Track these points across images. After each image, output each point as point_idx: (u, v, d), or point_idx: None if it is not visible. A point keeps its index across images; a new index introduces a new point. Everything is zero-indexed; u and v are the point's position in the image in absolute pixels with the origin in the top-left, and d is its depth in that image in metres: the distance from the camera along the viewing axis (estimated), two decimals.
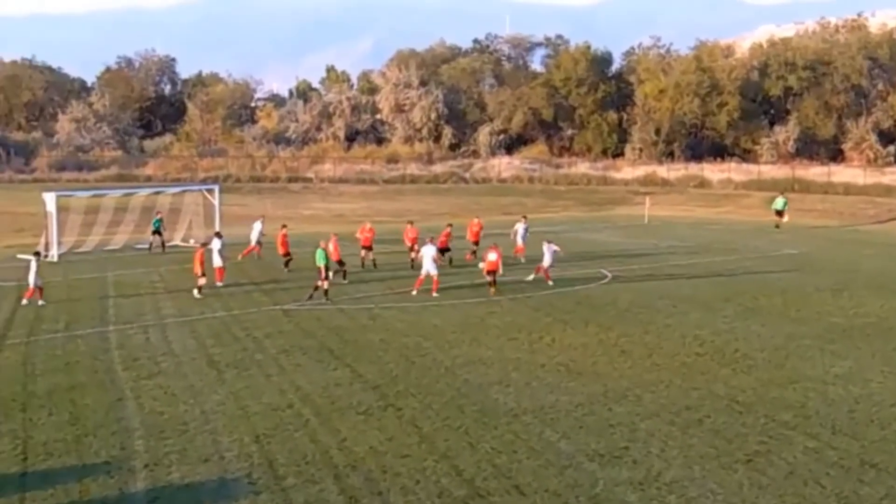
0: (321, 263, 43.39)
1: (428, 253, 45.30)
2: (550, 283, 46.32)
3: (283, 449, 23.63)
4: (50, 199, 57.16)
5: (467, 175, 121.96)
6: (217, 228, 60.30)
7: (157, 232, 60.33)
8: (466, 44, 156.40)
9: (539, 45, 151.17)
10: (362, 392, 28.66)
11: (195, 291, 44.24)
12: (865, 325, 38.77)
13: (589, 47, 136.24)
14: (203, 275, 44.44)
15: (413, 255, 51.45)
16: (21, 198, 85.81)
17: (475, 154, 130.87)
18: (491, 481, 21.70)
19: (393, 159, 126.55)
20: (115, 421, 25.81)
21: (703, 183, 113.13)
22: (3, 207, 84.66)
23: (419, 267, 46.04)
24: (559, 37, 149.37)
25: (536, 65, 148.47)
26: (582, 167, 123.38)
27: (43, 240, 57.16)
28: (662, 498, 20.91)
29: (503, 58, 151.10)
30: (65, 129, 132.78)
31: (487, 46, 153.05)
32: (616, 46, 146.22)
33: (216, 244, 48.30)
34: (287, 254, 51.74)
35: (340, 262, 47.94)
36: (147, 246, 60.15)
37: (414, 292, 44.58)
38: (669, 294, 45.34)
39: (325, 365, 31.95)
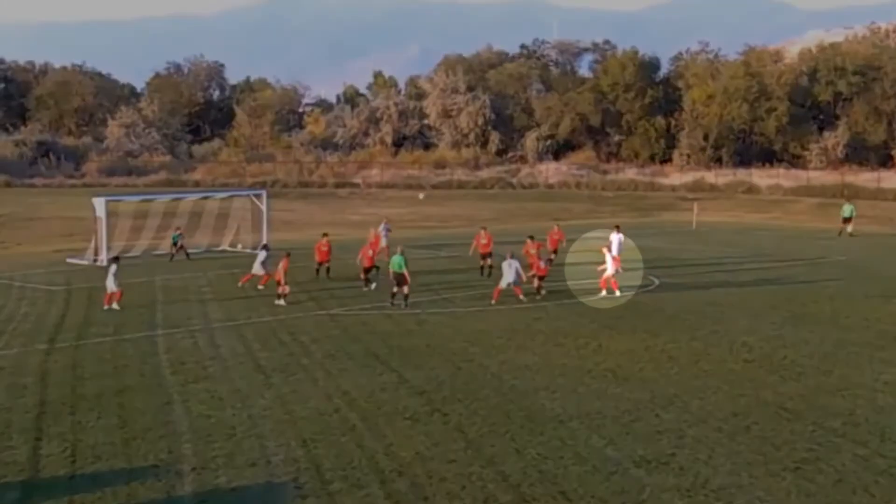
0: (401, 270, 42.91)
1: (512, 265, 44.84)
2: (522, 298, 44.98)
3: (330, 453, 23.67)
4: (99, 203, 57.53)
5: (514, 181, 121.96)
6: (264, 235, 60.63)
7: (175, 245, 59.87)
8: (514, 49, 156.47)
9: (586, 50, 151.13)
10: (408, 397, 28.67)
11: (280, 300, 43.55)
12: None
13: (636, 52, 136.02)
14: (285, 283, 43.80)
15: (483, 261, 51.51)
16: (71, 202, 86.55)
17: (522, 160, 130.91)
18: (537, 487, 21.66)
19: (440, 165, 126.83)
20: (163, 425, 25.93)
21: (751, 189, 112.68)
22: (54, 212, 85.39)
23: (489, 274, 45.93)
24: (607, 42, 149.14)
25: (584, 70, 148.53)
26: (629, 173, 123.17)
27: (92, 244, 57.54)
28: None
29: (550, 63, 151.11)
30: (114, 135, 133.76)
31: (535, 52, 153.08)
32: (664, 52, 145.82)
33: (262, 255, 48.36)
34: (323, 262, 51.27)
35: (369, 269, 47.75)
36: (185, 255, 59.78)
37: (522, 297, 44.49)
38: (717, 300, 45.12)
39: (372, 370, 31.98)
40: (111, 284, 42.48)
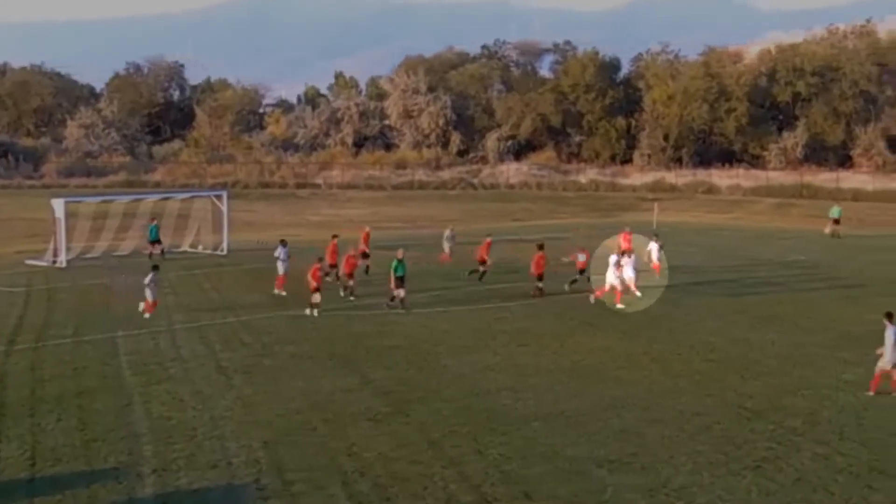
0: (398, 273, 42.52)
1: (610, 262, 44.78)
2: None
3: (292, 455, 23.62)
4: (58, 205, 57.12)
5: (475, 181, 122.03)
6: (225, 236, 60.50)
7: (155, 241, 59.74)
8: (475, 50, 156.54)
9: (547, 51, 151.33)
10: (371, 398, 28.64)
11: (309, 310, 41.43)
12: (876, 332, 38.35)
13: (597, 53, 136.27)
14: (318, 290, 41.59)
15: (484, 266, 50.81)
16: (30, 203, 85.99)
17: (483, 160, 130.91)
18: (499, 487, 21.67)
19: (401, 165, 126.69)
20: (124, 426, 25.81)
21: (711, 189, 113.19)
22: (13, 213, 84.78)
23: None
24: (567, 43, 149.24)
25: (545, 71, 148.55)
26: (590, 173, 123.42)
27: (51, 245, 57.15)
28: None
29: (511, 64, 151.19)
30: (73, 136, 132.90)
31: (495, 52, 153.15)
32: (624, 53, 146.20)
33: (280, 252, 47.58)
34: (334, 265, 50.71)
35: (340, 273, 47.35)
36: (148, 254, 59.48)
37: (592, 299, 44.36)
38: (680, 301, 45.24)
39: (335, 370, 31.94)
40: (150, 294, 40.59)
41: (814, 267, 56.62)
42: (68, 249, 57.09)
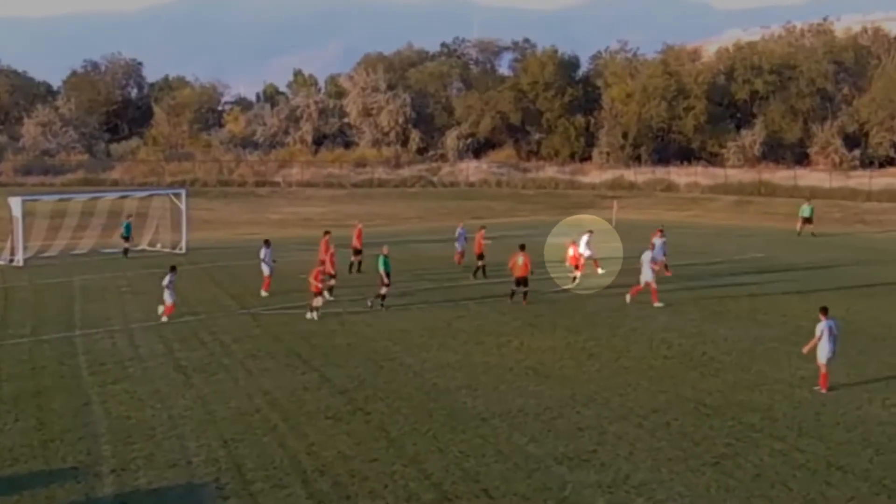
0: (383, 270, 42.53)
1: (645, 260, 44.67)
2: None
3: (251, 454, 23.58)
4: (15, 203, 56.77)
5: (435, 179, 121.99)
6: (184, 235, 60.29)
7: (127, 238, 59.90)
8: (434, 48, 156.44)
9: (507, 49, 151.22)
10: (330, 396, 28.63)
11: (310, 313, 40.60)
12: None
13: (556, 51, 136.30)
14: (320, 293, 41.08)
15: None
16: None
17: (443, 158, 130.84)
18: (459, 485, 21.70)
19: (361, 163, 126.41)
20: (82, 426, 25.69)
21: (669, 187, 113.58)
22: None
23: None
24: (526, 41, 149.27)
25: (504, 69, 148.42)
26: (550, 171, 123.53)
27: (8, 244, 56.85)
28: (630, 501, 20.96)
29: (471, 62, 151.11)
30: (30, 134, 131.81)
31: (455, 50, 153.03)
32: (583, 51, 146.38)
33: (264, 253, 46.81)
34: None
35: (332, 276, 47.01)
36: (122, 252, 59.52)
37: (627, 298, 44.23)
38: (637, 298, 45.42)
39: (293, 369, 31.90)
40: (168, 297, 39.70)
41: (770, 263, 56.95)
42: (25, 248, 56.78)
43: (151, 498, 21.13)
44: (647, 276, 44.19)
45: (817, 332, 29.42)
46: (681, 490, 21.49)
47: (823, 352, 29.39)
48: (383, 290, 42.64)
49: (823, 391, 29.26)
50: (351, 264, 52.34)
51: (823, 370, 29.49)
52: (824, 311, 29.84)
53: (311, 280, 40.79)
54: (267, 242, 47.63)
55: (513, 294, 44.20)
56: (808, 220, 74.37)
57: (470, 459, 23.27)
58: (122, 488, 21.54)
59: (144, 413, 26.84)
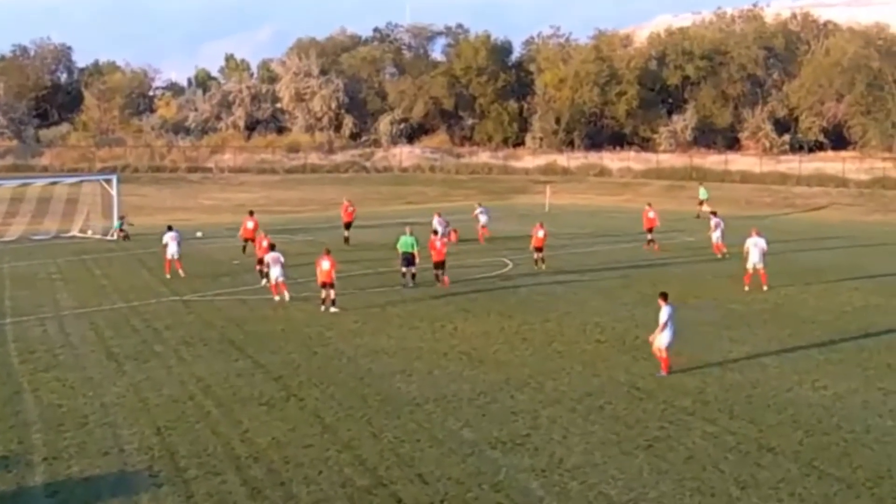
0: (413, 250, 43.99)
1: (755, 245, 44.45)
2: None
3: (185, 441, 23.46)
4: None
5: (368, 164, 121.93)
6: (115, 221, 59.86)
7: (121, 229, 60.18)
8: (367, 33, 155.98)
9: (440, 34, 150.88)
10: (264, 383, 28.54)
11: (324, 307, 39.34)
12: (762, 311, 39.39)
13: (489, 37, 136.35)
14: (325, 284, 39.35)
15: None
16: None
17: (376, 143, 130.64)
18: (394, 470, 21.72)
19: (293, 148, 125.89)
20: (13, 415, 25.44)
21: (602, 171, 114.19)
22: None
23: None
24: (459, 26, 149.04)
25: (437, 54, 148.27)
26: (483, 156, 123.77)
27: None
28: (564, 484, 21.05)
29: (404, 47, 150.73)
30: None
31: (388, 35, 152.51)
32: (516, 36, 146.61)
33: (170, 236, 46.93)
34: (249, 239, 50.89)
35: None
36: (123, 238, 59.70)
37: (746, 288, 44.03)
38: (569, 282, 45.69)
39: (227, 356, 31.77)
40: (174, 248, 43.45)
41: (702, 248, 57.33)
42: None
43: (83, 487, 20.95)
44: (755, 261, 44.29)
45: (663, 318, 29.42)
46: (614, 473, 21.62)
47: (665, 338, 29.46)
48: (406, 270, 44.53)
49: (664, 374, 29.39)
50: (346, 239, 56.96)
51: (664, 355, 29.52)
52: (664, 296, 29.98)
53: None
54: (170, 227, 48.21)
55: (437, 278, 45.07)
56: (701, 203, 76.77)
57: (404, 444, 23.29)
58: (53, 477, 21.36)
59: (76, 401, 26.62)
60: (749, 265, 44.28)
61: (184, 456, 22.49)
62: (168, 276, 46.26)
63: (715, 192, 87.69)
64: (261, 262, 43.99)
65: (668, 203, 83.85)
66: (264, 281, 43.11)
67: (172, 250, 46.47)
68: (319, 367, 30.38)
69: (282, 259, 41.11)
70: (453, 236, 57.78)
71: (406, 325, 36.41)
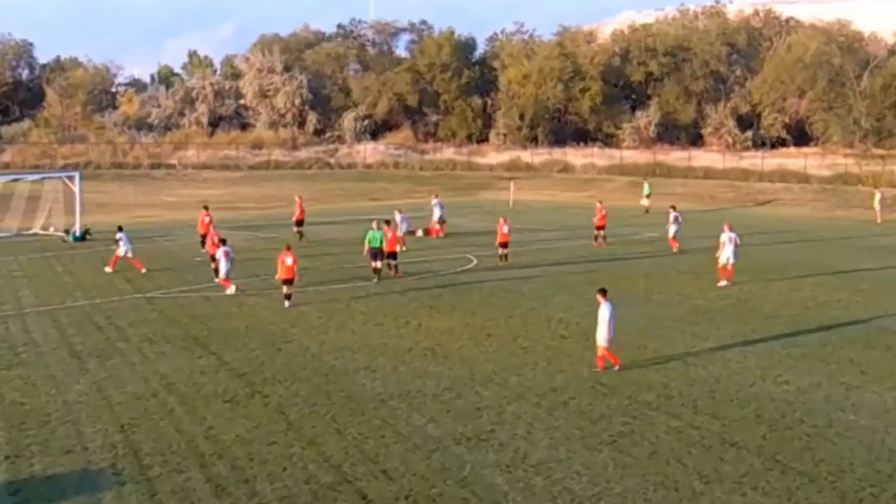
0: (381, 245, 44.87)
1: (730, 240, 44.57)
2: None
3: (148, 438, 23.36)
4: None
5: (332, 161, 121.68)
6: (78, 218, 59.56)
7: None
8: (330, 29, 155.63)
9: (403, 30, 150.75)
10: (228, 380, 28.46)
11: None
12: (726, 307, 39.57)
13: (453, 33, 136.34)
14: (287, 281, 39.40)
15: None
16: None
17: (340, 140, 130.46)
18: (359, 466, 21.70)
19: (257, 145, 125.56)
20: None
21: (566, 168, 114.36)
22: None
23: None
24: (423, 22, 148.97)
25: (401, 50, 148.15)
26: (447, 152, 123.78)
27: None
28: (529, 479, 21.08)
29: (367, 43, 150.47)
30: None
31: (352, 31, 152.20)
32: (480, 33, 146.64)
33: (119, 235, 47.49)
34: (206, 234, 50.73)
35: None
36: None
37: (722, 283, 44.18)
38: (534, 278, 45.76)
39: (190, 353, 31.66)
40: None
41: (664, 243, 57.49)
42: None
43: (46, 485, 20.84)
44: (729, 255, 44.52)
45: (607, 315, 29.40)
46: (578, 469, 21.67)
47: (603, 333, 29.48)
48: (374, 265, 44.93)
49: (599, 369, 29.39)
50: (300, 235, 56.79)
51: (602, 352, 29.54)
52: (603, 292, 30.05)
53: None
54: (120, 228, 48.74)
55: (389, 267, 45.92)
56: (647, 197, 79.33)
57: (369, 441, 23.27)
58: (16, 475, 21.22)
59: (39, 399, 26.47)
60: (723, 260, 44.44)
61: (147, 453, 22.40)
62: (110, 270, 46.76)
63: (678, 188, 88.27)
64: (213, 258, 43.91)
65: (633, 199, 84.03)
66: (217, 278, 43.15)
67: (125, 248, 47.07)
68: (283, 363, 30.33)
69: (232, 254, 41.43)
70: (434, 231, 60.82)
71: (370, 321, 36.38)
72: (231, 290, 41.11)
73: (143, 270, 46.40)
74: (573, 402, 26.32)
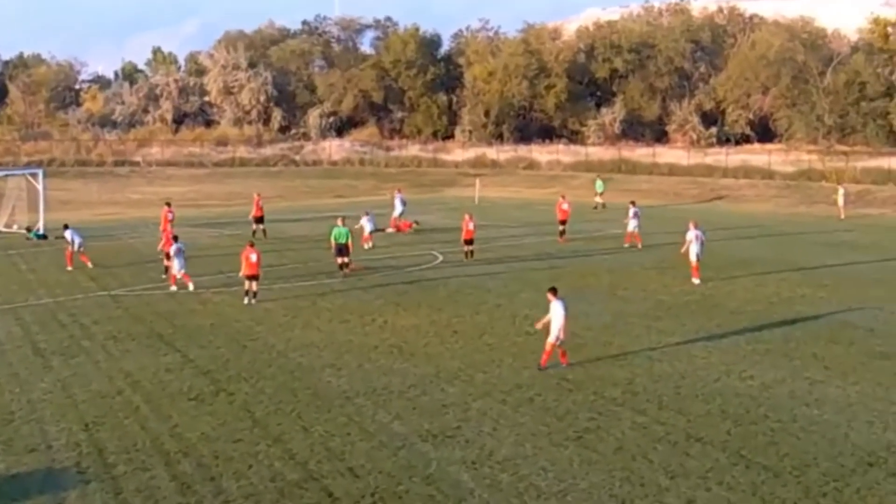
0: (346, 241, 45.04)
1: (697, 238, 44.44)
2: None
3: (113, 436, 23.26)
4: None
5: (297, 158, 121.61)
6: (41, 215, 59.27)
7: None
8: (295, 25, 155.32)
9: (368, 27, 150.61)
10: (193, 377, 28.37)
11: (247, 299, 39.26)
12: (690, 303, 39.70)
13: (418, 29, 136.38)
14: (250, 277, 39.20)
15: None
16: None
17: (305, 136, 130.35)
18: (325, 464, 21.67)
19: (222, 142, 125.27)
20: None
21: (531, 164, 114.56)
22: None
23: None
24: (388, 19, 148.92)
25: (366, 47, 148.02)
26: (412, 149, 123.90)
27: None
28: (495, 476, 21.10)
29: (333, 40, 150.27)
30: None
31: (317, 28, 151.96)
32: (445, 29, 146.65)
33: (69, 234, 47.70)
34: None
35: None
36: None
37: (696, 281, 43.96)
38: (499, 274, 45.80)
39: (155, 350, 31.54)
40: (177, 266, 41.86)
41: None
42: None
43: (10, 483, 20.72)
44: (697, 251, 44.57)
45: (560, 313, 29.36)
46: (544, 465, 21.70)
47: (554, 332, 29.46)
48: (340, 261, 45.35)
49: (543, 367, 29.34)
50: (254, 232, 56.89)
51: (550, 349, 29.56)
52: (554, 291, 30.07)
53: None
54: (66, 226, 49.02)
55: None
56: (600, 195, 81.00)
57: (335, 438, 23.24)
58: None
59: (2, 397, 26.31)
60: (693, 258, 44.51)
61: (112, 452, 22.30)
62: (71, 269, 46.72)
63: (643, 185, 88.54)
64: (168, 255, 43.74)
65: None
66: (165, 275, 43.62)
67: (77, 243, 47.43)
68: (249, 361, 30.25)
69: (184, 250, 41.74)
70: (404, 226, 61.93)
71: (336, 318, 36.33)
72: (189, 286, 41.11)
73: (90, 265, 46.59)
74: (539, 399, 26.35)
